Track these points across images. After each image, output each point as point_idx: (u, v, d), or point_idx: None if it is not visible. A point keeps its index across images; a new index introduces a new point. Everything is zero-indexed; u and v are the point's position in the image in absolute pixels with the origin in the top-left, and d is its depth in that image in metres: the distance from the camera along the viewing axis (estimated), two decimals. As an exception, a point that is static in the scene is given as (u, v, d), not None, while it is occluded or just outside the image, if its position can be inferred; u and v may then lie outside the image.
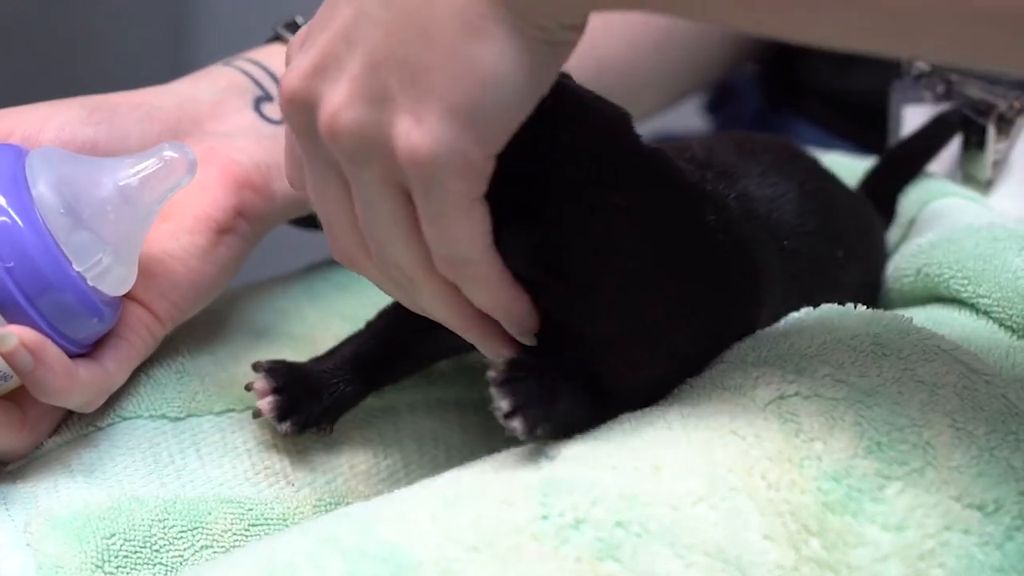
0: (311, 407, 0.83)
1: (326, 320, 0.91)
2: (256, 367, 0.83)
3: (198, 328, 0.89)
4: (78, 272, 0.76)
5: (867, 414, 0.73)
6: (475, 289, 0.72)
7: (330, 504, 0.84)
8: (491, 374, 0.72)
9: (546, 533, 0.68)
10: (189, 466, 0.83)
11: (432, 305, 0.74)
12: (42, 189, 0.76)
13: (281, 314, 0.92)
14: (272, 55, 0.93)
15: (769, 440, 0.72)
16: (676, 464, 0.71)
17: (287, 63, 0.73)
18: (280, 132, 0.88)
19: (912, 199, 0.96)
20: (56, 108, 0.84)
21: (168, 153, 0.78)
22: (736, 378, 0.76)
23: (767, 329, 0.81)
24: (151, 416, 0.84)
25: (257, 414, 0.83)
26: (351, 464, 0.86)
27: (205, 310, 0.88)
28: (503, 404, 0.72)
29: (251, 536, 0.81)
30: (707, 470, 0.71)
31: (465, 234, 0.69)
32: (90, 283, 0.77)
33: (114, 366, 0.80)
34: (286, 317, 0.91)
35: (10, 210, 0.75)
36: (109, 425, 0.83)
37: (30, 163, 0.77)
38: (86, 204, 0.77)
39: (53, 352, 0.76)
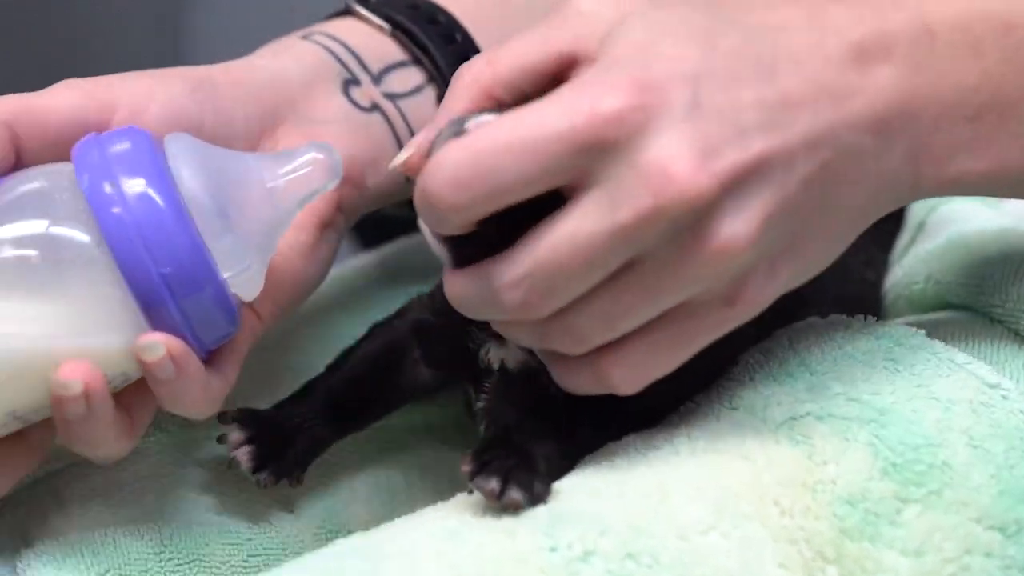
0: (286, 454, 0.80)
1: (326, 348, 0.89)
2: (223, 418, 0.79)
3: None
4: (224, 278, 0.72)
5: (881, 434, 0.71)
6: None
7: (331, 532, 0.82)
8: (464, 468, 0.70)
9: (555, 565, 0.66)
10: (192, 483, 0.81)
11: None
12: (192, 188, 0.71)
13: (279, 337, 0.89)
14: (351, 31, 0.86)
15: (781, 464, 0.70)
16: (685, 490, 0.70)
17: (456, 93, 0.71)
18: (371, 121, 0.83)
19: (920, 203, 0.93)
20: (158, 80, 0.78)
21: (315, 155, 0.74)
22: (745, 397, 0.74)
23: (773, 341, 0.79)
24: (144, 442, 0.82)
25: (231, 464, 0.80)
26: (351, 488, 0.84)
27: None
28: (491, 486, 0.69)
29: (250, 567, 0.79)
30: (717, 496, 0.69)
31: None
32: (232, 289, 0.73)
33: (232, 373, 0.76)
34: (283, 347, 0.89)
35: (165, 210, 0.70)
36: None
37: (171, 155, 0.72)
38: (235, 205, 0.72)
39: (195, 364, 0.72)
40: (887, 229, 0.93)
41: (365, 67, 0.84)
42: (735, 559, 0.67)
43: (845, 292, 0.84)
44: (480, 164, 0.66)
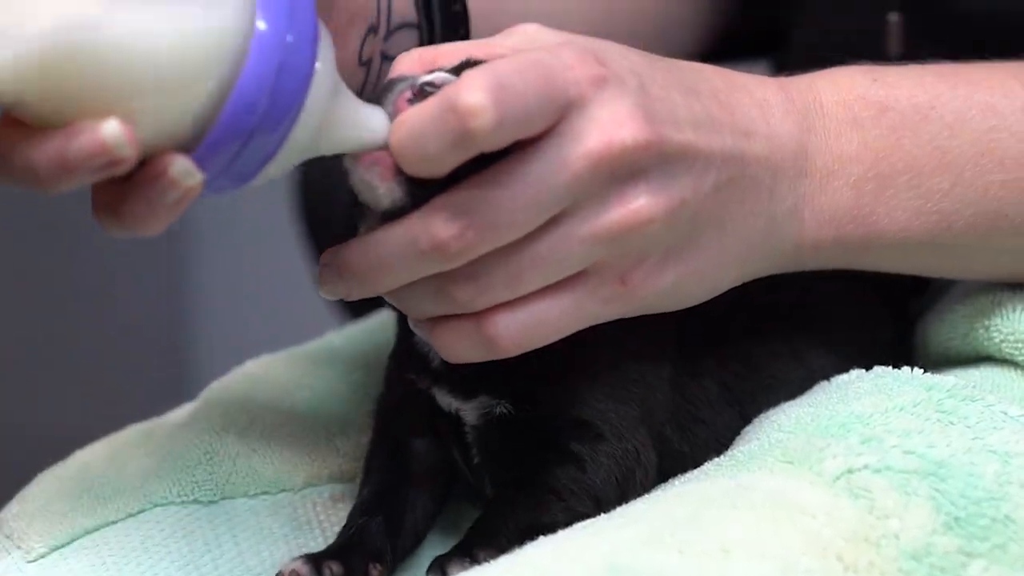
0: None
1: (357, 395, 0.88)
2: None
3: (223, 404, 0.85)
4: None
5: (941, 487, 0.70)
6: None
7: None
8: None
9: None
10: (226, 555, 0.79)
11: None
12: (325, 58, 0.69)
13: (307, 389, 0.88)
14: None
15: (842, 518, 0.69)
16: (746, 547, 0.68)
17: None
18: (356, 73, 0.82)
19: None
20: None
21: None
22: (799, 450, 0.73)
23: (820, 393, 0.79)
24: (183, 502, 0.80)
25: None
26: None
27: (228, 388, 0.85)
28: None
29: None
30: (779, 553, 0.68)
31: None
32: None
33: None
34: (314, 392, 0.88)
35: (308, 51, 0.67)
36: (140, 511, 0.80)
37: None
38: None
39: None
40: (895, 288, 0.93)
41: (389, 19, 0.84)
42: (803, 617, 0.67)
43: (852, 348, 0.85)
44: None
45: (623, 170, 0.71)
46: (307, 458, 0.84)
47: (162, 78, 0.65)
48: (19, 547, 0.78)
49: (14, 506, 0.82)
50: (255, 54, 0.66)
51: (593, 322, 0.74)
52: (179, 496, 0.80)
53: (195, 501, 0.81)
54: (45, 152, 0.65)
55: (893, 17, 0.93)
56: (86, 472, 0.83)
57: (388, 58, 0.83)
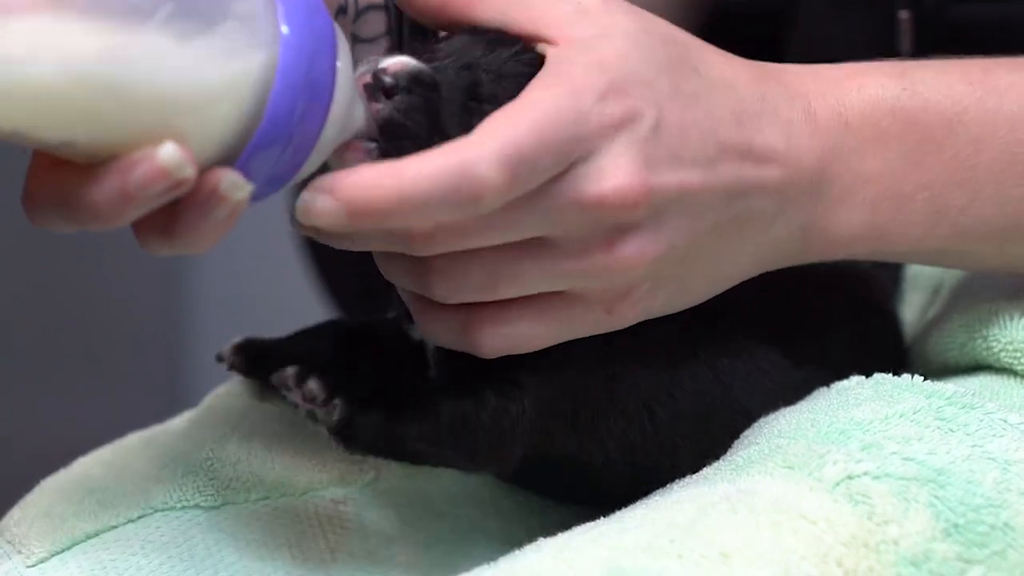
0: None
1: None
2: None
3: (224, 411, 0.86)
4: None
5: (941, 494, 0.71)
6: None
7: None
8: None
9: None
10: (227, 559, 0.79)
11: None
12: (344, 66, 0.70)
13: None
14: None
15: (842, 524, 0.69)
16: (745, 552, 0.69)
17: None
18: None
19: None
20: None
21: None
22: (799, 455, 0.73)
23: (820, 399, 0.79)
24: (184, 507, 0.80)
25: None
26: (390, 556, 0.83)
27: (230, 393, 0.85)
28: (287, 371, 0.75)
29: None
30: (779, 558, 0.68)
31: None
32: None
33: None
34: None
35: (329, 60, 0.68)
36: (141, 517, 0.79)
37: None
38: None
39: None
40: (883, 281, 0.93)
41: (356, 1, 0.83)
42: (802, 622, 0.67)
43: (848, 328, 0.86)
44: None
45: (610, 221, 0.71)
46: (309, 463, 0.84)
47: (203, 96, 0.66)
48: (19, 551, 0.78)
49: (15, 512, 0.81)
50: (286, 58, 0.67)
51: (581, 335, 0.75)
52: (180, 501, 0.80)
53: (196, 506, 0.81)
54: (106, 188, 0.65)
55: (904, 15, 0.93)
56: (87, 478, 0.83)
57: (360, 40, 0.83)
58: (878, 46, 0.93)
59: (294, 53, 0.67)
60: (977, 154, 0.77)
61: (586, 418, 0.80)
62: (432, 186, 0.68)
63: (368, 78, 0.71)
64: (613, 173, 0.70)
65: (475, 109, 0.72)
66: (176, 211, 0.66)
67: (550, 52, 0.73)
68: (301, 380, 0.76)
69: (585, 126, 0.70)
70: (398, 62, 0.71)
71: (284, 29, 0.67)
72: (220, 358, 0.84)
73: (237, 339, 0.85)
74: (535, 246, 0.72)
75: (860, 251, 0.79)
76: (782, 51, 1.04)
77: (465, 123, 0.71)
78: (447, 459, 0.80)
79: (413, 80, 0.71)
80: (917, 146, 0.77)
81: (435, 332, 0.75)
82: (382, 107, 0.71)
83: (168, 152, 0.64)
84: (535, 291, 0.73)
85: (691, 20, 1.02)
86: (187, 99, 0.65)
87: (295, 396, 0.76)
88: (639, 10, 0.75)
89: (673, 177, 0.72)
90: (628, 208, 0.71)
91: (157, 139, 0.64)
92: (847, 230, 0.77)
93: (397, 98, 0.71)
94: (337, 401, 0.75)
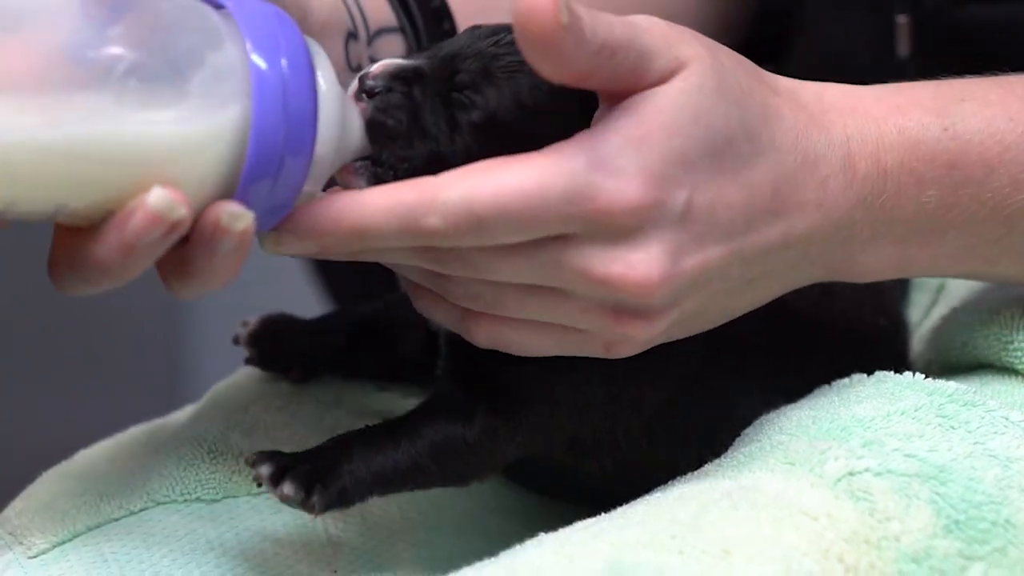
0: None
1: (356, 394, 0.88)
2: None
3: (227, 404, 0.86)
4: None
5: (942, 491, 0.71)
6: None
7: None
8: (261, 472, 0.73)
9: None
10: (228, 553, 0.79)
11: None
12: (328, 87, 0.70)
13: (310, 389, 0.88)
14: None
15: (843, 520, 0.70)
16: (747, 548, 0.69)
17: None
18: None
19: None
20: None
21: None
22: (800, 451, 0.73)
23: (821, 396, 0.79)
24: (185, 500, 0.80)
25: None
26: (392, 550, 0.83)
27: (232, 388, 0.85)
28: (263, 471, 0.73)
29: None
30: (780, 554, 0.68)
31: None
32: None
33: None
34: (317, 386, 0.88)
35: (308, 95, 0.69)
36: (142, 509, 0.80)
37: (314, 52, 0.70)
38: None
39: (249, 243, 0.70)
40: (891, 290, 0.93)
41: (366, 25, 0.84)
42: (803, 617, 0.67)
43: (854, 336, 0.85)
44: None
45: (619, 298, 0.71)
46: None
47: (184, 146, 0.67)
48: (21, 543, 0.78)
49: (17, 503, 0.82)
50: (260, 88, 0.67)
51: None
52: (182, 494, 0.80)
53: (198, 499, 0.81)
54: (108, 244, 0.66)
55: (902, 19, 0.93)
56: (89, 471, 0.83)
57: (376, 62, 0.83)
58: (878, 47, 0.94)
59: (269, 83, 0.67)
60: (1015, 193, 0.76)
61: (585, 436, 0.80)
62: (386, 219, 0.68)
63: (356, 84, 0.72)
64: (625, 258, 0.69)
65: (457, 100, 0.72)
66: (186, 252, 0.68)
67: (602, 109, 0.71)
68: (277, 481, 0.74)
69: (579, 205, 0.68)
70: (381, 63, 0.72)
71: (258, 62, 0.67)
72: (237, 341, 0.85)
73: (253, 323, 0.86)
74: (548, 291, 0.71)
75: (885, 276, 0.78)
76: (783, 51, 1.05)
77: (448, 115, 0.72)
78: (434, 481, 0.79)
79: (392, 78, 0.72)
80: (955, 189, 0.76)
81: (431, 309, 0.75)
82: (365, 107, 0.72)
83: (157, 196, 0.65)
84: (539, 320, 0.73)
85: (732, 37, 1.02)
86: (166, 151, 0.66)
87: (273, 494, 0.75)
88: (724, 53, 0.73)
89: (693, 259, 0.71)
90: (639, 296, 0.70)
91: (149, 189, 0.66)
92: (874, 265, 0.76)
93: (377, 98, 0.71)
94: (316, 497, 0.74)
